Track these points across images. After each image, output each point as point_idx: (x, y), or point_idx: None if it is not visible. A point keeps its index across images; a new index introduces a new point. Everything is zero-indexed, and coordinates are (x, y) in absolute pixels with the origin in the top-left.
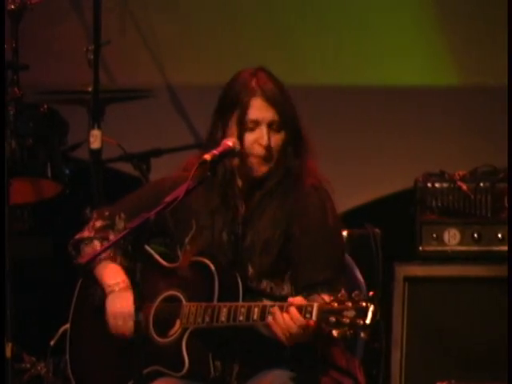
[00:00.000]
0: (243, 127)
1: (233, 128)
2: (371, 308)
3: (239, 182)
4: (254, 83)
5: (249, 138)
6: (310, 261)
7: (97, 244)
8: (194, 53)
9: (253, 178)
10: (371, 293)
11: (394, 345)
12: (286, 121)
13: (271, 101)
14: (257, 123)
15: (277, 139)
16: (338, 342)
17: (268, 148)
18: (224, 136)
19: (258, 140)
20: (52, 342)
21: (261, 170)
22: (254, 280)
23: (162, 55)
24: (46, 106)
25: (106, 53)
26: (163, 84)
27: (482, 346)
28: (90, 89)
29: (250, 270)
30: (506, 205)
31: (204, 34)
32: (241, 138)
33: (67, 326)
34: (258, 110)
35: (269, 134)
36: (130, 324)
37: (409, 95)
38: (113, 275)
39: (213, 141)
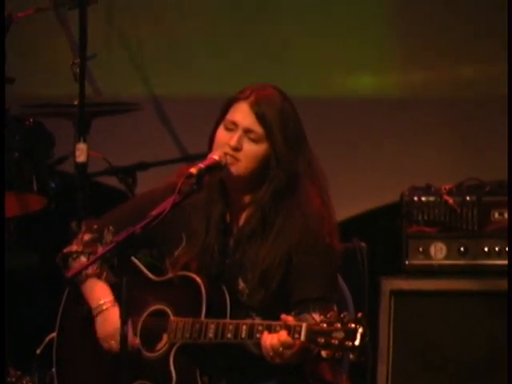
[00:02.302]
0: (222, 125)
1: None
2: (360, 330)
3: (229, 195)
4: (252, 91)
5: (225, 137)
6: (304, 278)
7: (84, 260)
8: (181, 66)
9: (233, 185)
10: (360, 314)
11: (380, 358)
12: (272, 138)
13: (257, 111)
14: (235, 126)
15: (252, 149)
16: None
17: (234, 149)
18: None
19: (228, 140)
20: (38, 351)
21: (232, 170)
22: (244, 295)
23: (148, 69)
24: (31, 120)
25: (91, 66)
26: (149, 97)
27: (468, 360)
28: (75, 102)
29: (241, 284)
30: (493, 218)
31: (190, 47)
32: (213, 135)
33: (53, 334)
34: (239, 113)
35: (241, 138)
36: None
37: (396, 109)
38: (100, 295)
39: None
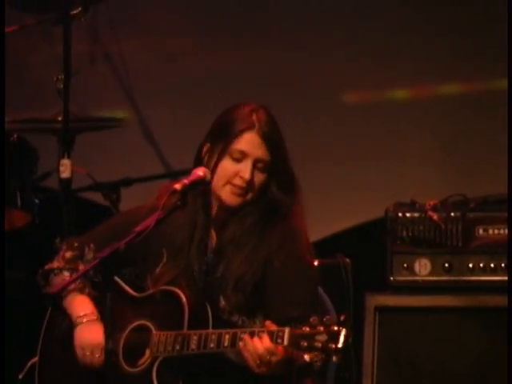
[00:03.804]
0: (226, 154)
1: (217, 156)
2: (343, 332)
3: (213, 212)
4: (253, 118)
5: (232, 168)
6: (285, 297)
7: (66, 275)
8: (165, 82)
9: (227, 209)
10: (342, 317)
11: (364, 375)
12: (276, 163)
13: (266, 140)
14: (244, 155)
15: (259, 178)
16: (310, 373)
17: (248, 183)
18: (209, 163)
19: (239, 172)
20: (20, 376)
21: (236, 201)
22: (225, 312)
23: (132, 84)
24: (15, 135)
25: (76, 82)
26: (133, 113)
27: (454, 376)
28: (60, 118)
29: (222, 302)
30: (477, 234)
31: (175, 63)
32: (217, 165)
33: (36, 359)
34: (250, 143)
35: (252, 169)
36: (98, 355)
37: (381, 125)
38: (82, 307)
39: (198, 166)
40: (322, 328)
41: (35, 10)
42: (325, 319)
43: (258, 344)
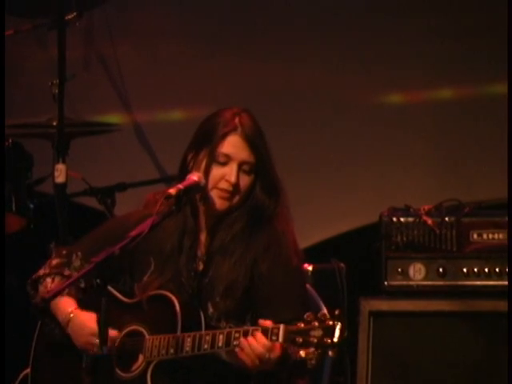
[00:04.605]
0: (213, 159)
1: (204, 162)
2: (338, 326)
3: (202, 218)
4: (236, 120)
5: (217, 172)
6: (276, 302)
7: (48, 281)
8: (160, 87)
9: (215, 214)
10: (337, 311)
11: (359, 379)
12: (260, 165)
13: (250, 142)
14: (228, 159)
15: (245, 180)
16: (304, 372)
17: (234, 186)
18: (194, 170)
19: (225, 176)
20: None
21: (223, 205)
22: (213, 319)
23: (127, 89)
24: (10, 140)
25: (70, 87)
26: (128, 118)
27: (447, 380)
28: (54, 123)
29: (210, 309)
30: (472, 239)
31: (170, 68)
32: (208, 170)
33: (28, 370)
34: (234, 146)
35: (238, 172)
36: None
37: (375, 130)
38: (65, 307)
39: (184, 174)
40: (316, 323)
41: (30, 15)
42: (319, 314)
43: (254, 343)
